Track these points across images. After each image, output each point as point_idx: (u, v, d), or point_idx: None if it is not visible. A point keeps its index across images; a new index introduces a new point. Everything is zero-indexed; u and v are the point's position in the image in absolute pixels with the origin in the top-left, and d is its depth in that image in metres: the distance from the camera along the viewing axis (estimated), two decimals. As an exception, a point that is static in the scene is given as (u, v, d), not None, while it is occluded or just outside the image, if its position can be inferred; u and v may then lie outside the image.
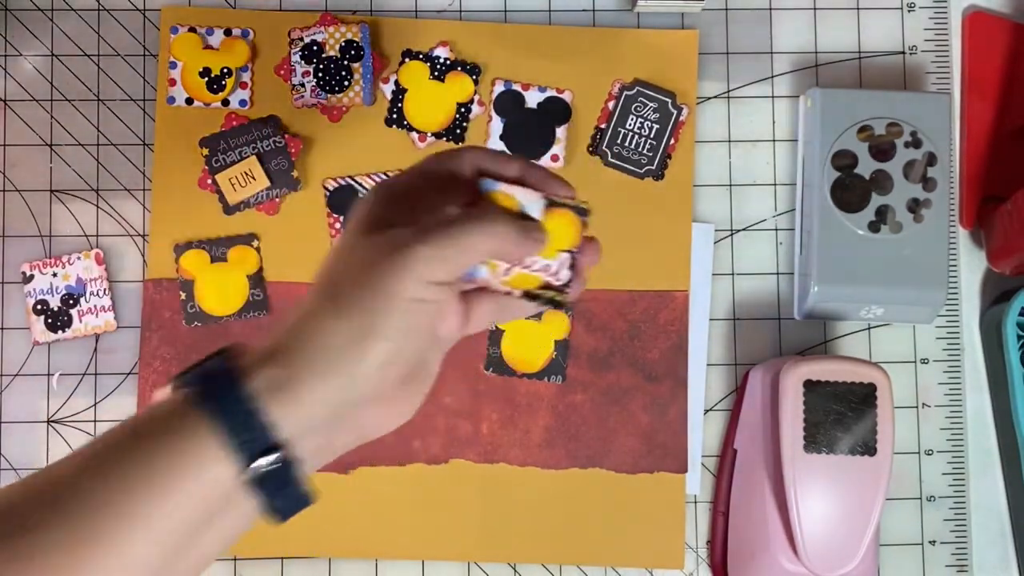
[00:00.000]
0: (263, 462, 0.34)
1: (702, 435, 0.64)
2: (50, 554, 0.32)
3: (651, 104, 0.64)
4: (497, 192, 0.41)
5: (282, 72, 0.65)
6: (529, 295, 0.43)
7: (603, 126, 0.65)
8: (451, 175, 0.41)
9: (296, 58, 0.65)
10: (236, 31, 0.65)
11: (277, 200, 0.64)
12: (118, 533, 0.33)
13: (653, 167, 0.64)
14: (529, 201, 0.42)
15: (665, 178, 0.65)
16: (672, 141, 0.64)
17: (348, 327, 0.36)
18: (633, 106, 0.64)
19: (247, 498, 0.35)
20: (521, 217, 0.40)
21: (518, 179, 0.41)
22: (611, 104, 0.65)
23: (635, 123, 0.64)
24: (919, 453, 0.65)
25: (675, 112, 0.64)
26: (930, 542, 0.64)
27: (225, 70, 0.65)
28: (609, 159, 0.65)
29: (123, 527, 0.33)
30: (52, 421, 0.64)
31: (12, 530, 0.33)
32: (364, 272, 0.37)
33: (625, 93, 0.65)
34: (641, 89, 0.64)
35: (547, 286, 0.43)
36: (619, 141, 0.64)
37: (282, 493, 0.35)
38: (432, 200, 0.40)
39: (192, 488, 0.34)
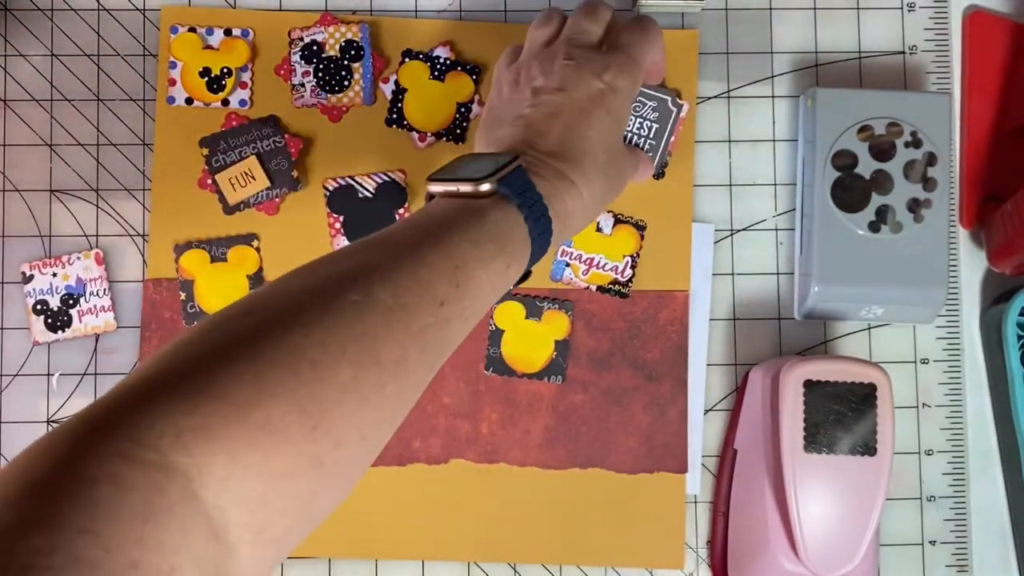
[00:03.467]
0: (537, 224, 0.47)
1: (702, 435, 0.64)
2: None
3: (650, 103, 0.64)
4: None
5: (282, 72, 0.65)
6: (601, 288, 0.63)
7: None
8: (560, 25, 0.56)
9: (296, 58, 0.65)
10: (236, 31, 0.65)
11: (277, 200, 0.64)
12: (474, 281, 0.43)
13: (653, 167, 0.64)
14: (602, 218, 0.63)
15: (665, 177, 0.65)
16: (672, 139, 0.64)
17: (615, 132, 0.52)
18: (632, 106, 0.64)
19: (527, 246, 0.46)
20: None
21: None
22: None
23: (634, 123, 0.64)
24: (919, 453, 0.65)
25: (675, 110, 0.64)
26: (930, 542, 0.64)
27: (225, 70, 0.65)
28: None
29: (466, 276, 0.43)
30: (52, 421, 0.64)
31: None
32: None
33: (625, 93, 0.64)
34: (641, 88, 0.64)
35: (614, 282, 0.62)
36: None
37: (540, 226, 0.47)
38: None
39: (507, 247, 0.45)
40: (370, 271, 0.40)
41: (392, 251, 0.42)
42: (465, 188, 0.46)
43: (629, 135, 0.63)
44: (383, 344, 0.38)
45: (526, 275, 0.48)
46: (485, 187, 0.46)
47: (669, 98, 0.64)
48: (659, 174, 0.64)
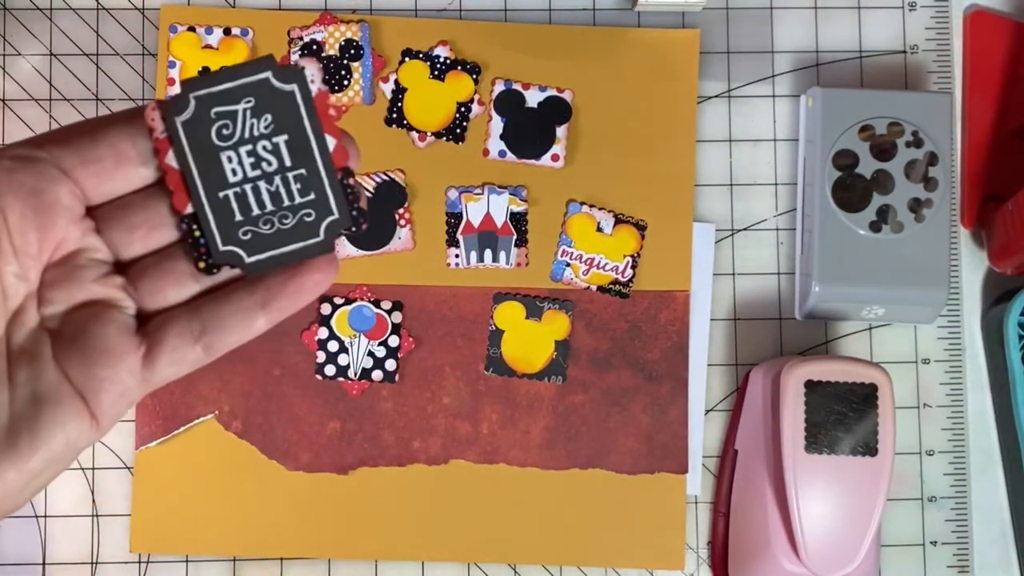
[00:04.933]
0: None
1: (703, 435, 0.64)
2: None
3: (240, 108, 0.31)
4: (579, 214, 0.54)
5: (281, 71, 0.65)
6: (602, 288, 0.61)
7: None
8: None
9: (295, 57, 0.65)
10: (235, 30, 0.65)
11: (276, 200, 0.64)
12: None
13: None
14: (603, 218, 0.61)
15: (663, 176, 0.65)
16: (334, 143, 0.31)
17: None
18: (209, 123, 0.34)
19: None
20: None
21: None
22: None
23: (239, 170, 0.33)
24: (920, 453, 0.64)
25: (291, 88, 0.30)
26: (931, 543, 0.64)
27: (224, 69, 0.65)
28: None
29: None
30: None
31: None
32: None
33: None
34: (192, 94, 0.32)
35: (615, 282, 0.61)
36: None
37: None
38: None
39: None
40: None
41: None
42: None
43: (242, 188, 0.30)
44: None
45: None
46: None
47: (267, 75, 0.30)
48: (355, 219, 0.31)
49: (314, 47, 0.65)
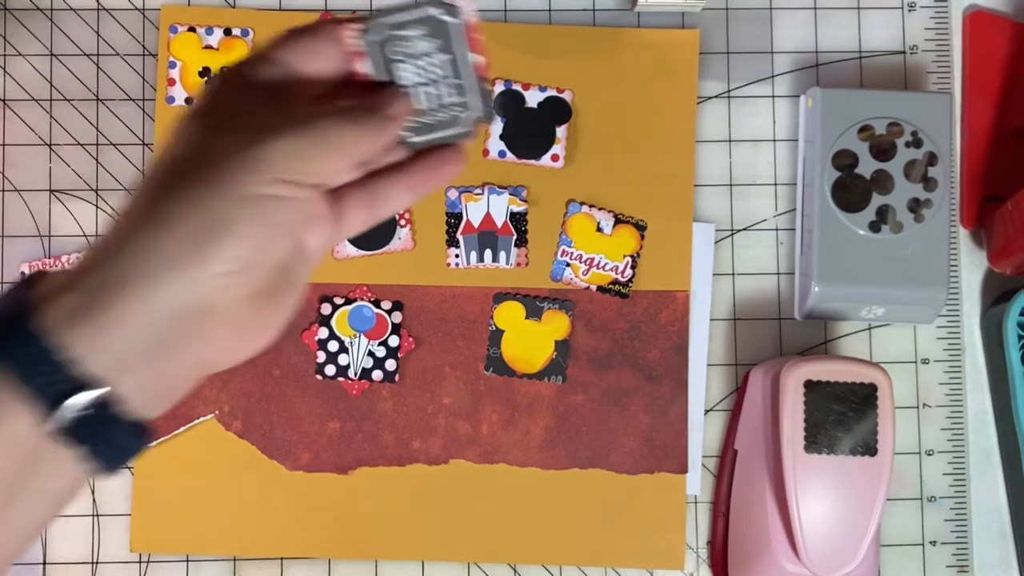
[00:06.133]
0: (72, 406, 0.30)
1: (702, 435, 0.64)
2: None
3: (413, 33, 0.40)
4: (579, 214, 0.58)
5: (282, 72, 0.65)
6: (602, 289, 0.63)
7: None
8: (321, 55, 0.40)
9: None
10: (236, 31, 0.65)
11: (277, 200, 0.64)
12: None
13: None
14: (602, 218, 0.62)
15: (663, 176, 0.65)
16: (476, 60, 0.40)
17: (187, 227, 0.31)
18: (394, 50, 0.41)
19: (62, 451, 0.30)
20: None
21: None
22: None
23: (410, 73, 0.41)
24: (920, 453, 0.64)
25: (449, 19, 0.40)
26: (931, 543, 0.64)
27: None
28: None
29: None
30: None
31: None
32: (212, 167, 0.33)
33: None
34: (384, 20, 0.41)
35: (615, 282, 0.62)
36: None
37: (104, 440, 0.31)
38: (297, 92, 0.37)
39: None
40: None
41: None
42: None
43: (413, 90, 0.40)
44: None
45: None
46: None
47: (434, 11, 0.40)
48: (491, 115, 0.41)
49: (314, 47, 0.65)
